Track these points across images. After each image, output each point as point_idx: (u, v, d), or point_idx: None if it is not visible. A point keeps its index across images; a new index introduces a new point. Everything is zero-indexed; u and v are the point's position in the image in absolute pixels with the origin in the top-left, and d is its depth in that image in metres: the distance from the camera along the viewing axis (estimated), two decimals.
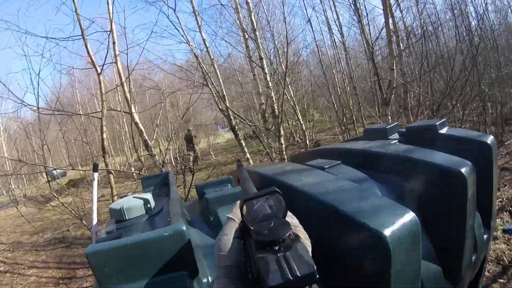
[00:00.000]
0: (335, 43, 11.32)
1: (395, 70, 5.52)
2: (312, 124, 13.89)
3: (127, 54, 4.77)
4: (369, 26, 7.83)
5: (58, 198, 5.17)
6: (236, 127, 6.68)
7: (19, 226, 9.95)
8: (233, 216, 0.73)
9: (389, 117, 5.29)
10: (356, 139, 2.68)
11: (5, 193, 17.66)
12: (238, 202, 0.73)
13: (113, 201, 4.34)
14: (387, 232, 0.89)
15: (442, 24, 9.86)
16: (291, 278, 0.47)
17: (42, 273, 7.73)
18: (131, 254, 0.93)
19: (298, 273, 0.47)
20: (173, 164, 7.69)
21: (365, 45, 9.20)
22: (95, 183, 2.08)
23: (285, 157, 5.42)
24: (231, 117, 6.45)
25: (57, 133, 6.08)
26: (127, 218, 1.42)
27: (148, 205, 1.49)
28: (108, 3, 4.86)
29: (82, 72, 17.67)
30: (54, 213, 7.03)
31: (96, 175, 2.11)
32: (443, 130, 2.21)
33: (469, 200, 1.52)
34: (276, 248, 0.53)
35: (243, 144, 6.63)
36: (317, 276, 0.48)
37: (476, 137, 2.04)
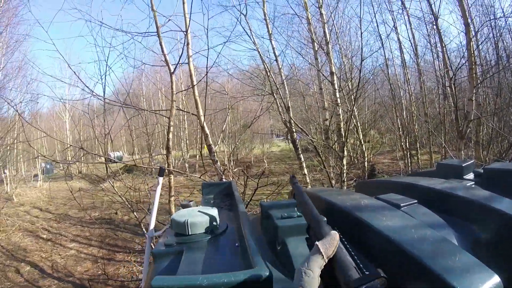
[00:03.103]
0: (405, 63, 10.97)
1: (473, 101, 5.23)
2: (371, 145, 13.49)
3: (207, 58, 4.82)
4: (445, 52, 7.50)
5: (113, 187, 5.40)
6: (297, 140, 6.69)
7: (70, 199, 10.46)
8: (323, 251, 0.68)
9: (462, 152, 5.01)
10: (428, 173, 2.63)
11: (61, 167, 19.14)
12: (333, 233, 0.73)
13: (169, 202, 4.50)
14: None
15: None
16: None
17: (83, 249, 8.28)
18: None
19: None
20: (232, 166, 7.88)
21: (442, 69, 8.79)
22: (159, 188, 2.00)
23: (345, 179, 5.37)
24: (293, 129, 6.54)
25: (121, 121, 6.39)
26: (190, 234, 1.34)
27: (214, 223, 1.41)
28: (184, 3, 4.82)
29: (150, 67, 18.75)
30: (105, 194, 7.47)
31: (161, 179, 2.03)
32: None
33: None
34: None
35: (302, 158, 6.58)
36: None
37: None
